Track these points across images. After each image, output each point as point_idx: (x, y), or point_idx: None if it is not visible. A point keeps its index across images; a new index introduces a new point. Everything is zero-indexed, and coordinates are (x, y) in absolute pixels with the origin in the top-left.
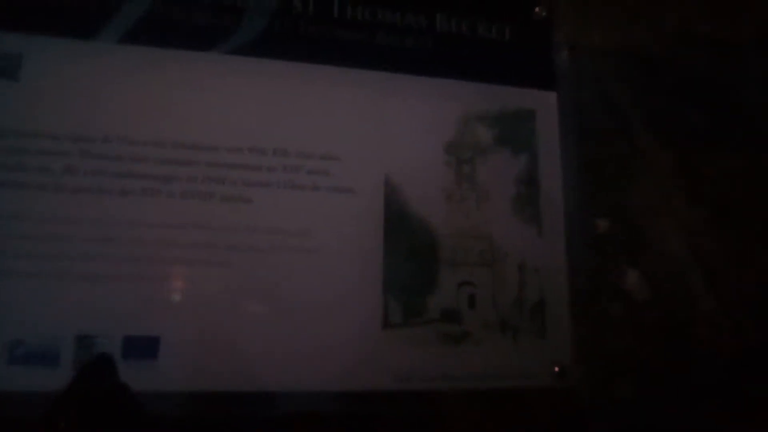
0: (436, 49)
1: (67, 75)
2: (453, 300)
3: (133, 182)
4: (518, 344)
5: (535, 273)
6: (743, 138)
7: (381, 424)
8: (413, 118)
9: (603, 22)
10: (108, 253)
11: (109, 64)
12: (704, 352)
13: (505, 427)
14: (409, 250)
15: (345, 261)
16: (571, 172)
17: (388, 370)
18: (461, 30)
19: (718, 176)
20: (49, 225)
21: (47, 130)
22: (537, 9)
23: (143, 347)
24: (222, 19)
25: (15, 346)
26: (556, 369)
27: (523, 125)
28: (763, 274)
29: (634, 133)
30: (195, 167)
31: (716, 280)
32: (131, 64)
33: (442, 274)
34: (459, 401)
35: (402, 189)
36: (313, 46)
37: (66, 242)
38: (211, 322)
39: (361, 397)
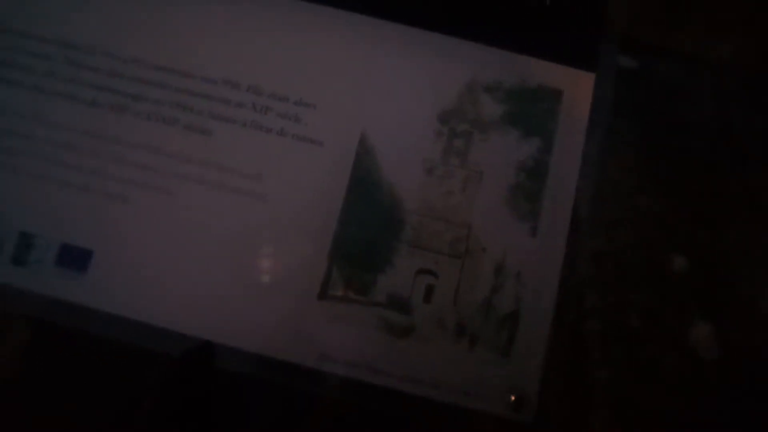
0: (457, 5)
1: None
2: (407, 287)
3: (105, 95)
4: (473, 356)
5: (516, 279)
6: None
7: (297, 400)
8: (411, 76)
9: (728, 30)
10: (65, 159)
11: None
12: None
13: None
14: (369, 219)
15: (294, 214)
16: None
17: (314, 345)
18: None
19: None
20: (18, 122)
21: (39, 33)
22: None
23: (76, 258)
24: None
25: None
26: (513, 397)
27: (543, 105)
28: None
29: (742, 162)
30: (165, 90)
31: None
32: None
33: (400, 254)
34: (387, 401)
35: (377, 151)
36: None
37: (30, 141)
38: (145, 249)
39: (278, 365)
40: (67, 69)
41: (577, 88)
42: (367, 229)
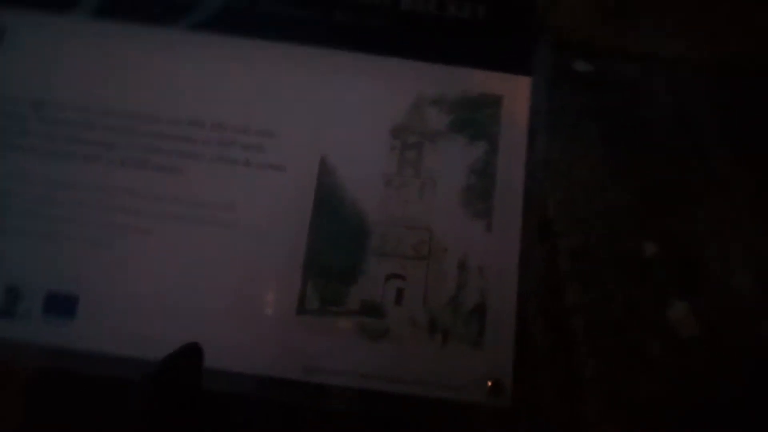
0: (398, 29)
1: (39, 46)
2: (378, 292)
3: (79, 147)
4: (447, 350)
5: (478, 273)
6: None
7: (283, 412)
8: (360, 98)
9: (684, 30)
10: (45, 211)
11: (75, 38)
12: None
13: None
14: (336, 235)
15: (267, 238)
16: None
17: (298, 358)
18: (428, 9)
19: None
20: None
21: (12, 95)
22: None
23: (63, 305)
24: None
25: None
26: (489, 383)
27: (486, 112)
28: None
29: (705, 151)
30: (135, 136)
31: None
32: (94, 38)
33: (369, 263)
34: (373, 403)
35: (337, 170)
36: (270, 23)
37: (10, 198)
38: (129, 287)
39: (264, 381)
40: (41, 126)
41: (515, 93)
42: (336, 243)
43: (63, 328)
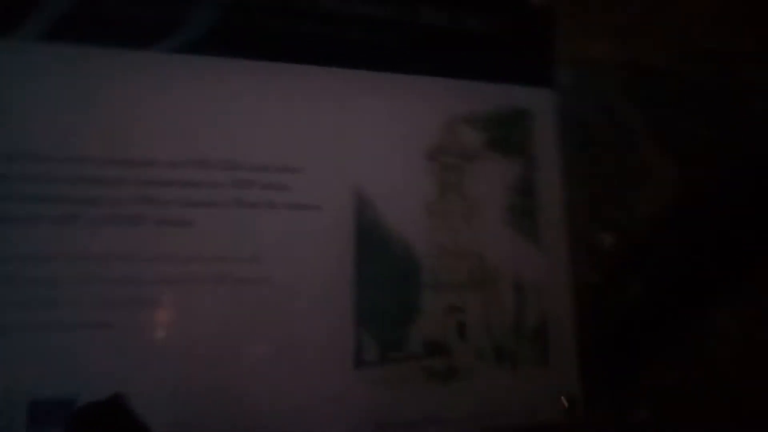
0: (419, 45)
1: None
2: (439, 329)
3: (45, 207)
4: (517, 375)
5: (535, 292)
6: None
7: None
8: (389, 121)
9: (607, 35)
10: (15, 295)
11: (26, 63)
12: None
13: None
14: (385, 274)
15: (305, 289)
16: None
17: (365, 415)
18: (448, 23)
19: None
20: None
21: None
22: None
23: (54, 413)
24: (165, 13)
25: None
26: (565, 402)
27: (518, 127)
28: None
29: (639, 146)
30: (123, 187)
31: None
32: (51, 63)
33: (424, 299)
34: None
35: (375, 203)
36: (274, 41)
37: None
38: (141, 373)
39: None
40: None
41: (542, 106)
42: (386, 283)
43: None
